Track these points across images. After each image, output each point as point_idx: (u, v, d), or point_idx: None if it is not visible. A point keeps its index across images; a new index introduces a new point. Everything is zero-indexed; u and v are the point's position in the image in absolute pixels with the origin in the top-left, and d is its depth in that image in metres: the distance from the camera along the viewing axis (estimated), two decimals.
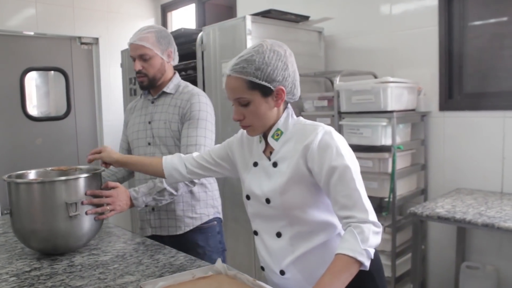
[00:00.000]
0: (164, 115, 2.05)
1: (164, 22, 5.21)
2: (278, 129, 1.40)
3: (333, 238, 1.39)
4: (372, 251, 1.24)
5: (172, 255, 1.71)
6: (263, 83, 1.32)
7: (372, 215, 1.28)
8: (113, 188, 1.84)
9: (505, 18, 2.76)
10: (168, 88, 2.08)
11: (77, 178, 1.71)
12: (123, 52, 4.25)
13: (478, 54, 2.88)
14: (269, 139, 1.41)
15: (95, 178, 1.79)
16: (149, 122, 2.09)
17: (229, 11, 4.38)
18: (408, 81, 2.87)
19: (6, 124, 4.26)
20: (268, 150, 1.45)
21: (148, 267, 1.59)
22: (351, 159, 1.32)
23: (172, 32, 3.62)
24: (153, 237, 2.06)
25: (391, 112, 2.66)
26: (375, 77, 3.12)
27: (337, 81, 2.90)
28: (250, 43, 2.88)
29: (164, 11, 5.20)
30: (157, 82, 2.07)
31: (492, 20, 2.82)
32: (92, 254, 1.75)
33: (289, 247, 1.38)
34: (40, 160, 4.33)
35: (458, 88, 2.94)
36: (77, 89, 4.69)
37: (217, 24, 3.08)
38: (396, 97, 2.71)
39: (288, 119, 1.40)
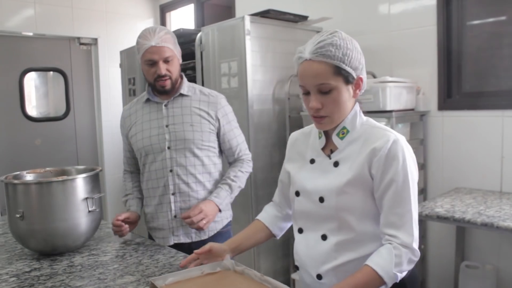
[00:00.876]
0: (188, 118, 1.97)
1: (163, 22, 5.21)
2: (344, 127, 1.31)
3: None
4: (400, 276, 1.22)
5: (172, 255, 1.71)
6: (348, 69, 1.24)
7: (416, 243, 1.24)
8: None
9: (503, 17, 2.77)
10: (185, 90, 2.00)
11: (95, 174, 1.83)
12: (122, 52, 4.25)
13: (477, 54, 2.88)
14: (334, 137, 1.33)
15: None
16: (167, 126, 1.97)
17: (228, 11, 4.38)
18: (407, 80, 2.88)
19: (5, 125, 4.26)
20: (328, 148, 1.36)
21: (148, 267, 1.59)
22: (413, 177, 1.27)
23: None
24: (174, 246, 1.95)
25: (390, 111, 2.66)
26: (374, 76, 3.12)
27: None
28: (249, 43, 2.89)
29: (163, 11, 5.20)
30: (176, 84, 2.00)
31: (491, 20, 2.83)
32: (92, 254, 1.75)
33: (333, 253, 1.30)
34: (40, 160, 4.33)
35: (457, 87, 2.94)
36: (76, 89, 4.69)
37: (216, 24, 3.08)
38: (395, 97, 2.72)
39: (356, 118, 1.32)
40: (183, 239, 2.00)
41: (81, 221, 1.72)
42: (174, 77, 1.95)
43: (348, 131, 1.31)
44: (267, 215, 1.60)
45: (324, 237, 1.32)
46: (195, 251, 1.51)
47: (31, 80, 4.47)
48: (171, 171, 1.95)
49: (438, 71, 2.95)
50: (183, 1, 4.94)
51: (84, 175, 1.75)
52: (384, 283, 1.19)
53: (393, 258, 1.19)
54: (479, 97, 2.84)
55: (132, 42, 4.37)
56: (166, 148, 1.95)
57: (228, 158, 2.09)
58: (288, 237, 3.20)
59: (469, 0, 2.86)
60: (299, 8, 3.48)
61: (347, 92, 1.27)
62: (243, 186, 2.05)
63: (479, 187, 2.82)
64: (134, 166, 2.14)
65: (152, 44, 1.87)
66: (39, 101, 4.63)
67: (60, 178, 1.69)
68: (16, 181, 1.68)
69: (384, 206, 1.26)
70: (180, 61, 2.00)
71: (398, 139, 1.26)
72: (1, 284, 1.46)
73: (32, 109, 4.47)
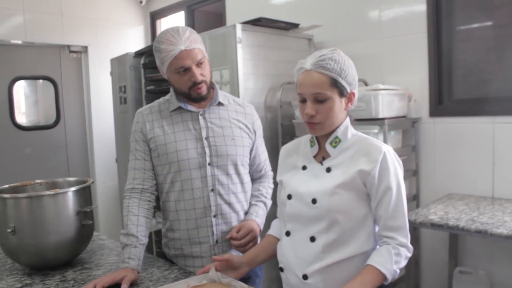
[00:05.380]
0: (228, 130, 1.76)
1: (153, 30, 5.19)
2: (336, 137, 1.42)
3: (364, 256, 1.39)
4: (398, 272, 1.35)
5: (166, 268, 1.69)
6: (344, 83, 1.37)
7: (409, 241, 1.38)
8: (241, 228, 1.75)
9: (492, 22, 2.79)
10: (221, 98, 1.79)
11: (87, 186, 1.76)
12: (112, 60, 4.23)
13: (467, 60, 2.90)
14: (327, 146, 1.44)
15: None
16: (206, 138, 1.73)
17: (219, 18, 4.38)
18: (398, 88, 2.88)
19: None
20: (319, 156, 1.47)
21: (142, 281, 1.57)
22: (403, 184, 1.39)
23: None
24: None
25: (383, 119, 2.66)
26: (366, 84, 3.13)
27: None
28: (240, 51, 2.88)
29: (153, 19, 5.19)
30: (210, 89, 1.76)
31: (480, 25, 2.85)
32: (85, 268, 1.72)
33: (320, 254, 1.37)
34: (30, 170, 4.29)
35: (448, 94, 2.95)
36: (66, 97, 4.66)
37: (207, 32, 3.08)
38: (387, 104, 2.72)
39: (348, 129, 1.43)
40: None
41: (73, 235, 1.70)
42: (209, 81, 1.72)
43: (340, 141, 1.43)
44: (276, 229, 1.64)
45: (312, 239, 1.39)
46: (214, 257, 1.52)
47: (20, 88, 4.43)
48: (212, 190, 1.73)
49: (429, 78, 2.96)
50: (173, 8, 4.92)
51: (75, 187, 1.73)
52: (386, 279, 1.32)
53: (392, 257, 1.32)
54: (470, 104, 2.86)
55: (122, 50, 4.38)
56: (207, 164, 1.72)
57: (255, 174, 1.92)
58: None
59: (458, 6, 2.88)
60: (290, 15, 3.49)
61: (340, 104, 1.39)
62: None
63: (471, 193, 2.83)
64: (150, 182, 1.75)
65: (181, 49, 1.60)
66: (29, 109, 4.59)
67: (51, 192, 1.67)
68: (6, 195, 1.65)
69: (381, 212, 1.37)
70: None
71: (388, 150, 1.39)
72: None
73: (21, 118, 4.43)
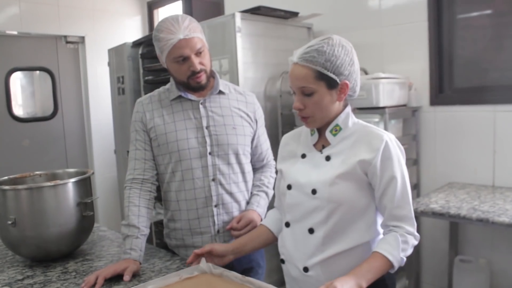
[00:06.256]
0: (229, 119, 1.74)
1: (151, 20, 5.15)
2: (337, 125, 1.39)
3: (364, 247, 1.37)
4: (405, 260, 1.32)
5: (168, 258, 1.69)
6: (331, 74, 1.31)
7: (415, 229, 1.37)
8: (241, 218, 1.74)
9: (493, 11, 2.77)
10: (222, 87, 1.77)
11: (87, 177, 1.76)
12: (110, 50, 4.19)
13: (468, 48, 2.88)
14: (327, 134, 1.40)
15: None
16: (207, 127, 1.72)
17: (216, 8, 4.34)
18: (399, 76, 2.87)
19: None
20: (319, 144, 1.43)
21: (144, 272, 1.56)
22: (406, 171, 1.37)
23: None
24: None
25: (383, 108, 2.65)
26: (366, 73, 3.11)
27: None
28: (240, 40, 2.86)
29: (151, 8, 5.14)
30: (210, 77, 1.74)
31: (481, 13, 2.83)
32: (86, 259, 1.71)
33: (320, 246, 1.36)
34: (28, 162, 4.27)
35: (449, 82, 2.94)
36: (63, 88, 4.63)
37: (206, 21, 3.04)
38: (387, 93, 2.71)
39: (348, 117, 1.40)
40: None
41: (74, 226, 1.69)
42: (209, 69, 1.70)
43: (340, 129, 1.39)
44: (270, 219, 1.61)
45: (311, 231, 1.37)
46: (195, 250, 1.49)
47: (17, 80, 4.40)
48: (213, 180, 1.71)
49: (430, 67, 2.94)
50: None
51: (76, 178, 1.71)
52: (393, 266, 1.30)
53: (399, 244, 1.30)
54: (471, 92, 2.85)
55: (120, 40, 4.34)
56: (208, 153, 1.71)
57: (257, 163, 1.90)
58: None
59: None
60: (289, 4, 3.45)
61: (329, 96, 1.35)
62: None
63: (472, 181, 2.83)
64: (151, 172, 1.73)
65: (180, 38, 1.59)
66: (26, 101, 4.56)
67: (51, 183, 1.65)
68: (6, 187, 1.63)
69: (386, 202, 1.34)
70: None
71: (390, 138, 1.36)
72: None
73: (19, 109, 4.40)
